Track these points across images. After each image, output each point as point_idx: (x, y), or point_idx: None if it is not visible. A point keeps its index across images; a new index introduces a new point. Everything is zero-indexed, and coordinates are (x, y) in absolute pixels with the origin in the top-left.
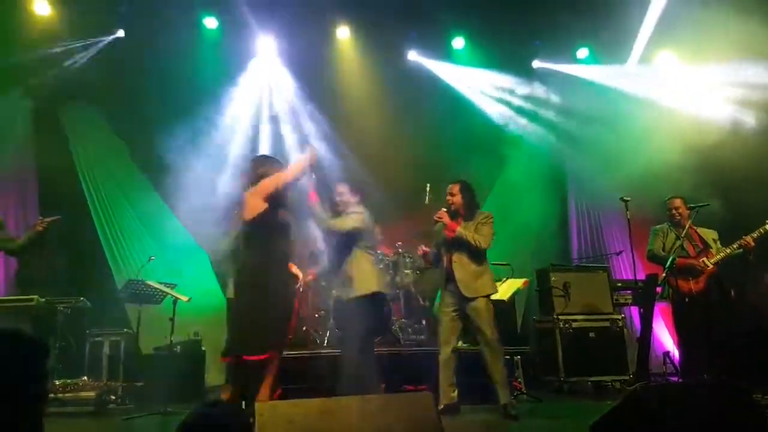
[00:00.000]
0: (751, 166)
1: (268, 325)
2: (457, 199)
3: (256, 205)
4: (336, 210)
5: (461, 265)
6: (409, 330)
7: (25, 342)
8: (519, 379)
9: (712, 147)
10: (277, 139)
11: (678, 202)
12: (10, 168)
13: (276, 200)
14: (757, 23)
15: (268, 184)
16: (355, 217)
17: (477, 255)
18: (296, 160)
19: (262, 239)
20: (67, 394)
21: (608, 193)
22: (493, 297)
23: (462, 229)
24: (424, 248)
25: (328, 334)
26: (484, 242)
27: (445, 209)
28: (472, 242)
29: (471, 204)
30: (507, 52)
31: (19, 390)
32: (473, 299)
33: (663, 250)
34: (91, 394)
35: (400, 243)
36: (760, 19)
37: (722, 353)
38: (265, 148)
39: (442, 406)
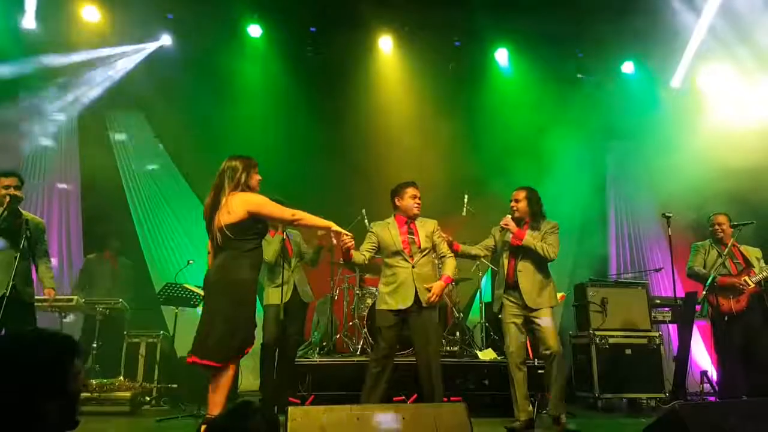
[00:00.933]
0: None
1: (230, 333)
2: (522, 205)
3: (239, 213)
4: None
5: (526, 275)
6: (443, 341)
7: (53, 340)
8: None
9: (757, 165)
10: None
11: (722, 218)
12: (55, 175)
13: (259, 218)
14: None
15: (271, 210)
16: None
17: (542, 265)
18: (326, 222)
19: (236, 245)
20: (103, 394)
21: (649, 208)
22: None
23: (530, 238)
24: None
25: (361, 343)
26: (553, 252)
27: (509, 215)
28: (541, 252)
29: (536, 212)
30: (551, 63)
31: (51, 387)
32: (537, 310)
33: (704, 267)
34: (127, 394)
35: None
36: None
37: (762, 373)
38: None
39: (519, 422)
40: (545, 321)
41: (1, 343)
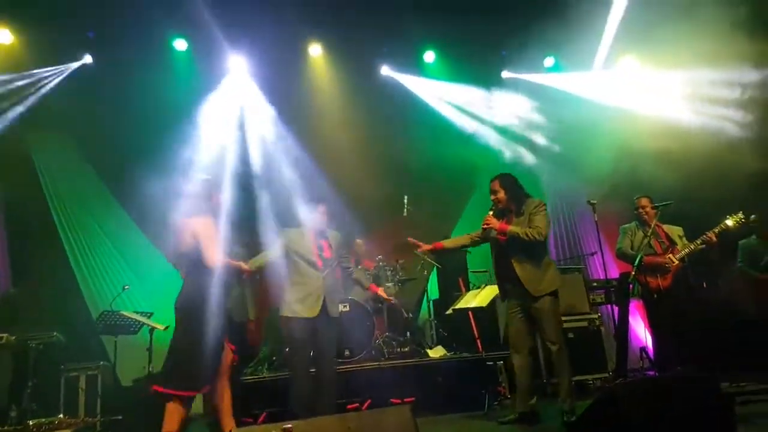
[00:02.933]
0: (712, 164)
1: (189, 363)
2: (501, 195)
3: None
4: (321, 227)
5: (523, 266)
6: (393, 343)
7: None
8: (503, 384)
9: (675, 148)
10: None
11: (644, 201)
12: None
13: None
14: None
15: (207, 243)
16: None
17: (536, 250)
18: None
19: (197, 270)
20: None
21: (580, 196)
22: (473, 305)
23: (512, 228)
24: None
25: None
26: (539, 233)
27: (491, 210)
28: (527, 237)
29: (518, 195)
30: (476, 63)
31: None
32: (539, 297)
33: (632, 248)
34: (68, 431)
35: (380, 256)
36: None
37: (691, 345)
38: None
39: (517, 415)
40: (546, 308)
41: None
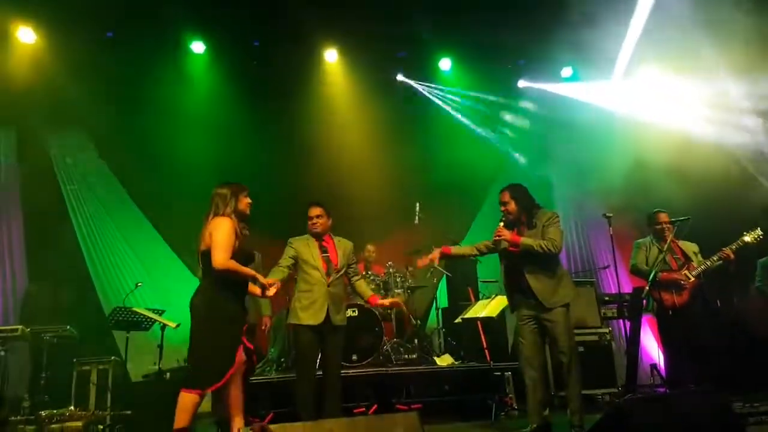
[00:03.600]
0: (730, 179)
1: (202, 362)
2: (512, 206)
3: (207, 240)
4: (314, 232)
5: (537, 278)
6: (401, 349)
7: None
8: (510, 395)
9: (692, 161)
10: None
11: (664, 216)
12: None
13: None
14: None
15: (214, 242)
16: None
17: (549, 261)
18: (251, 273)
19: (207, 272)
20: (53, 425)
21: (594, 208)
22: (482, 315)
23: (525, 240)
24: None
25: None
26: (554, 246)
27: (502, 222)
28: (541, 250)
29: (529, 206)
30: (493, 72)
31: None
32: (552, 309)
33: (646, 263)
34: (79, 424)
35: (390, 262)
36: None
37: (706, 364)
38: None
39: (533, 427)
40: (559, 320)
41: None
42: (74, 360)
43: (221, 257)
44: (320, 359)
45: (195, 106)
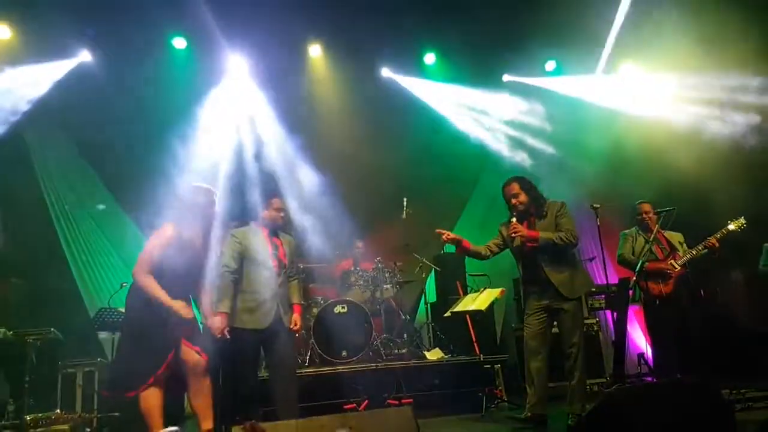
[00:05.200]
0: (714, 169)
1: (131, 361)
2: (523, 197)
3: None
4: (275, 225)
5: (555, 269)
6: (391, 344)
7: None
8: (500, 387)
9: (677, 153)
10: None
11: (647, 206)
12: None
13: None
14: (713, 33)
15: (145, 249)
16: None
17: (566, 252)
18: (174, 306)
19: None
20: (39, 429)
21: (578, 200)
22: (471, 308)
23: (545, 234)
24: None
25: (309, 353)
26: (573, 236)
27: (514, 217)
28: (561, 242)
29: (537, 197)
30: (477, 66)
31: None
32: (571, 300)
33: (633, 254)
34: (65, 427)
35: (379, 258)
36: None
37: (693, 352)
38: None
39: (529, 414)
40: (574, 311)
41: None
42: (59, 362)
43: (140, 268)
44: (270, 363)
45: (179, 103)
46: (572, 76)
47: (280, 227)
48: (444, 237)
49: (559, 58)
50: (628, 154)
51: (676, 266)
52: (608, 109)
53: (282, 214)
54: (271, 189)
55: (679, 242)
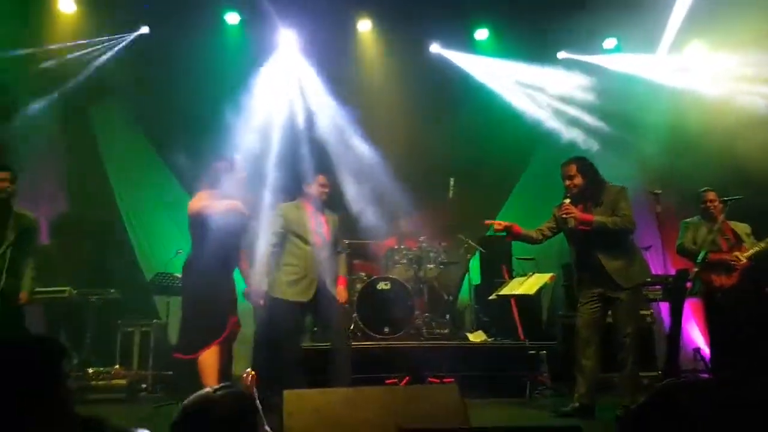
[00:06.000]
0: None
1: (194, 327)
2: (578, 180)
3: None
4: (320, 201)
5: (609, 256)
6: (433, 324)
7: (40, 345)
8: (545, 374)
9: (745, 138)
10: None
11: (712, 195)
12: (40, 166)
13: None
14: None
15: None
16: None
17: (622, 239)
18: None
19: (198, 238)
20: (99, 382)
21: (636, 185)
22: (519, 292)
23: (598, 217)
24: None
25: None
26: (629, 222)
27: (568, 198)
28: (616, 227)
29: (595, 181)
30: (531, 42)
31: (40, 391)
32: (626, 289)
33: (694, 244)
34: (123, 382)
35: (423, 237)
36: None
37: (752, 348)
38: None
39: (578, 405)
40: (629, 300)
41: None
42: (119, 321)
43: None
44: (323, 332)
45: (231, 77)
46: (632, 54)
47: (325, 203)
48: (495, 227)
49: (619, 36)
50: (692, 138)
51: (742, 259)
52: (671, 89)
53: (326, 190)
54: (317, 165)
55: (746, 234)
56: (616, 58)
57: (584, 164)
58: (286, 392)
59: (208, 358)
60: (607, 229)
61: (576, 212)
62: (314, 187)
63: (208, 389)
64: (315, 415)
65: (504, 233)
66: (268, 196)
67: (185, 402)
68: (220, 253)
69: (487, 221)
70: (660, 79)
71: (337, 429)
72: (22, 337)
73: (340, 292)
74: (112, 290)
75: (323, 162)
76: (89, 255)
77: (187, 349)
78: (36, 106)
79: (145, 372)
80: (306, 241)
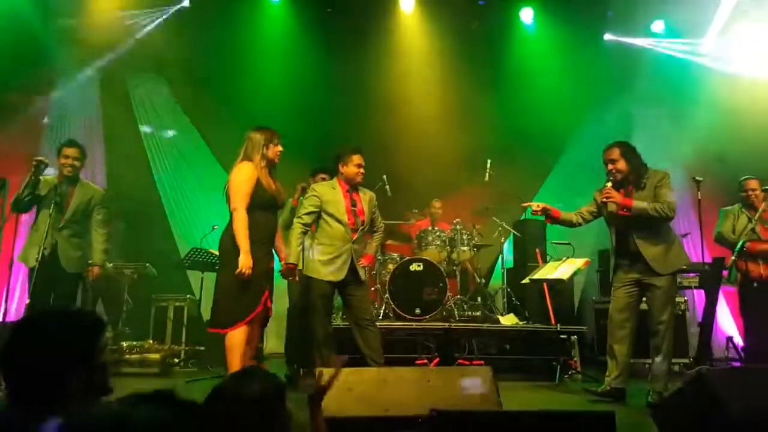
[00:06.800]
0: None
1: (227, 303)
2: (621, 164)
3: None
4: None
5: (648, 243)
6: (465, 306)
7: (81, 318)
8: (575, 358)
9: None
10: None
11: (754, 183)
12: (80, 138)
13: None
14: None
15: (232, 189)
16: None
17: (662, 225)
18: (243, 256)
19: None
20: (133, 356)
21: (676, 171)
22: (553, 276)
23: (639, 203)
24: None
25: (383, 308)
26: (670, 209)
27: (609, 182)
28: (656, 213)
29: (638, 165)
30: (578, 24)
31: (80, 361)
32: (663, 276)
33: (733, 232)
34: (156, 356)
35: (458, 219)
36: None
37: None
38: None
39: (608, 387)
40: (665, 287)
41: (32, 319)
42: (153, 296)
43: (237, 202)
44: (348, 312)
45: (270, 54)
46: (681, 38)
47: (359, 183)
48: (533, 209)
49: (667, 18)
50: (738, 125)
51: None
52: (719, 74)
53: (362, 171)
54: (353, 144)
55: None
56: (664, 41)
57: (627, 149)
58: (318, 370)
59: (237, 336)
60: (647, 215)
61: (617, 197)
62: (350, 168)
63: (240, 370)
64: (348, 394)
65: (542, 216)
66: (305, 175)
67: (216, 384)
68: (258, 227)
69: (525, 203)
70: (708, 63)
71: (369, 408)
72: (65, 310)
73: (360, 269)
74: (147, 264)
75: (354, 143)
76: (126, 230)
77: (223, 323)
78: (77, 78)
79: (178, 347)
80: (340, 222)
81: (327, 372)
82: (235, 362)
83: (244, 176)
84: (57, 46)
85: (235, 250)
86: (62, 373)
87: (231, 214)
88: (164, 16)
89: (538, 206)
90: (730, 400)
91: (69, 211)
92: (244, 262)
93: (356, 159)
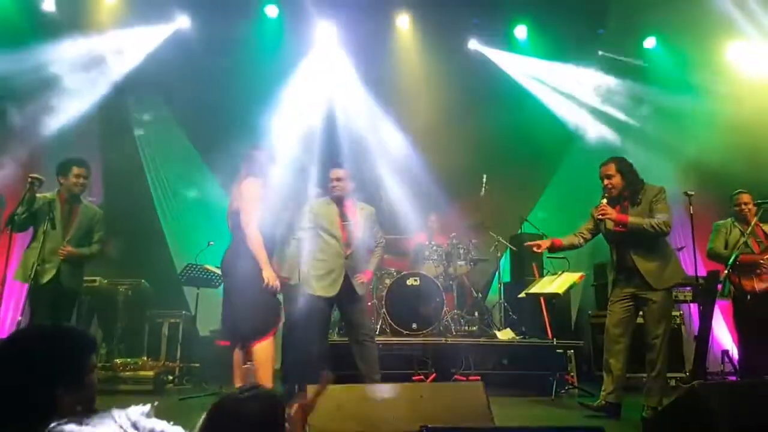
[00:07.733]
0: None
1: (232, 314)
2: (617, 180)
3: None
4: (336, 195)
5: (644, 258)
6: (461, 321)
7: (71, 336)
8: (572, 373)
9: None
10: (334, 130)
11: (746, 197)
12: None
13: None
14: None
15: (243, 207)
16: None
17: (658, 241)
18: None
19: (240, 230)
20: (126, 373)
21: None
22: (549, 290)
23: (634, 219)
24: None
25: (380, 323)
26: (666, 225)
27: (605, 199)
28: (652, 229)
29: (634, 182)
30: (570, 41)
31: (68, 379)
32: (659, 291)
33: (726, 246)
34: (150, 373)
35: (454, 234)
36: None
37: None
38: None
39: (603, 402)
40: (660, 302)
41: (22, 337)
42: (147, 312)
43: (250, 219)
44: (346, 328)
45: (268, 69)
46: (673, 54)
47: (340, 198)
48: (534, 249)
49: (660, 35)
50: (728, 140)
51: None
52: (711, 90)
53: (341, 184)
54: (333, 159)
55: None
56: (656, 57)
57: (623, 164)
58: (309, 387)
59: (266, 350)
60: (643, 231)
61: (612, 213)
62: (331, 182)
63: (238, 389)
64: (338, 411)
65: (548, 251)
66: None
67: (214, 402)
68: (268, 241)
69: (528, 243)
70: (699, 80)
71: (359, 425)
72: (56, 328)
73: (358, 285)
74: (141, 281)
75: (335, 157)
76: (122, 246)
77: (262, 330)
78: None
79: (173, 363)
80: (333, 237)
81: (311, 389)
82: (267, 376)
83: (256, 193)
84: (55, 62)
85: (250, 264)
86: (51, 390)
87: (234, 229)
88: (164, 35)
89: (539, 246)
90: (721, 415)
91: (73, 229)
92: (269, 274)
93: (334, 173)
